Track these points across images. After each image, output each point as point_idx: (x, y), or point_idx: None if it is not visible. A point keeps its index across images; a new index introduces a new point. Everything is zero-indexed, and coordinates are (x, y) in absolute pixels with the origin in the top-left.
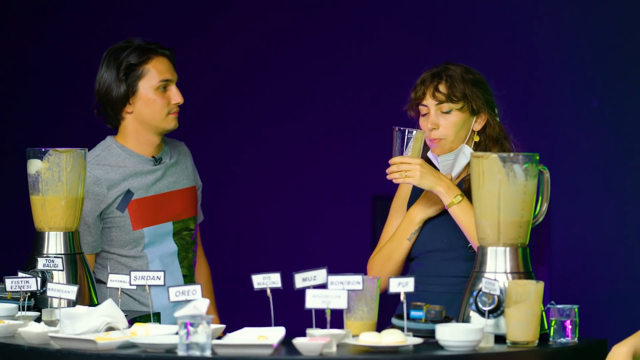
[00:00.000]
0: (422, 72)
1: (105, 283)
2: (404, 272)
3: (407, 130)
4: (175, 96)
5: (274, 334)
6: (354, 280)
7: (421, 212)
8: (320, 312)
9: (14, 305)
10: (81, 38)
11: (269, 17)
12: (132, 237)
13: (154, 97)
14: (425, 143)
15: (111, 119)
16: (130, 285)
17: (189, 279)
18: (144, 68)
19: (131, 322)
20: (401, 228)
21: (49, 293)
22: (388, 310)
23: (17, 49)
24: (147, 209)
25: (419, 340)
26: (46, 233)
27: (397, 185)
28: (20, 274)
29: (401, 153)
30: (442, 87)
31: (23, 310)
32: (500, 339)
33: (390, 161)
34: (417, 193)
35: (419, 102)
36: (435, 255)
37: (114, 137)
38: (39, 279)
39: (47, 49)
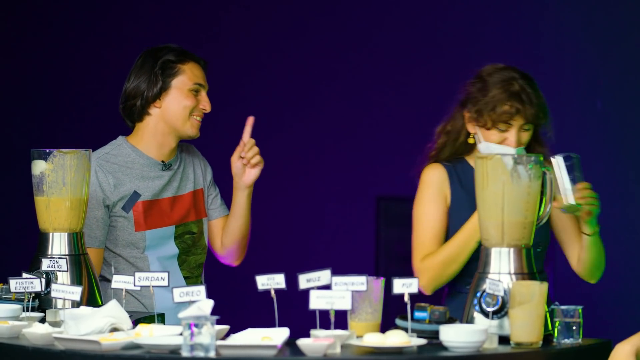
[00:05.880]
0: (483, 69)
1: (110, 281)
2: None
3: (567, 156)
4: (205, 102)
5: (278, 335)
6: (358, 281)
7: None
8: (324, 313)
9: (18, 306)
10: (85, 39)
11: (274, 17)
12: (133, 238)
13: (185, 97)
14: None
15: (138, 113)
16: (135, 286)
17: (192, 280)
18: (179, 68)
19: (135, 322)
20: (466, 232)
21: (53, 294)
22: (392, 311)
23: (21, 50)
24: (151, 212)
25: (423, 341)
26: (50, 234)
27: (401, 186)
28: (24, 275)
29: (568, 180)
30: (531, 109)
31: (27, 311)
32: (504, 339)
33: (579, 186)
34: (460, 191)
35: (509, 117)
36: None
37: (126, 137)
38: (43, 280)
39: (51, 50)
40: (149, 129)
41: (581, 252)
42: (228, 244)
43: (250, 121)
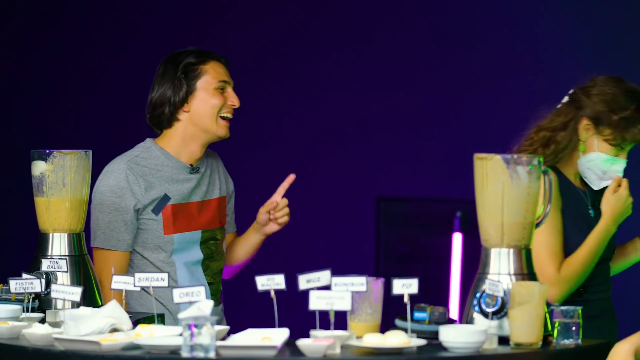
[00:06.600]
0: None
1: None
2: None
3: None
4: (232, 98)
5: (278, 336)
6: (358, 282)
7: (615, 227)
8: (324, 314)
9: (18, 307)
10: (86, 38)
11: (275, 16)
12: (162, 241)
13: (212, 96)
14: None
15: (167, 120)
16: (135, 286)
17: (215, 286)
18: (201, 68)
19: (135, 323)
20: (598, 237)
21: (53, 294)
22: (391, 311)
23: (21, 50)
24: (180, 215)
25: (422, 342)
26: (50, 234)
27: (401, 186)
28: (24, 276)
29: None
30: None
31: (27, 311)
32: (503, 340)
33: None
34: (568, 196)
35: None
36: (604, 264)
37: (154, 139)
38: (43, 281)
39: (51, 50)
40: (178, 134)
41: (623, 258)
42: (227, 263)
43: (290, 179)
